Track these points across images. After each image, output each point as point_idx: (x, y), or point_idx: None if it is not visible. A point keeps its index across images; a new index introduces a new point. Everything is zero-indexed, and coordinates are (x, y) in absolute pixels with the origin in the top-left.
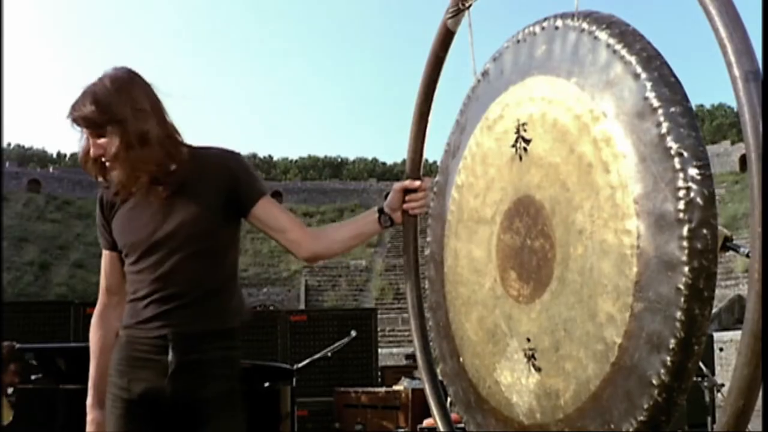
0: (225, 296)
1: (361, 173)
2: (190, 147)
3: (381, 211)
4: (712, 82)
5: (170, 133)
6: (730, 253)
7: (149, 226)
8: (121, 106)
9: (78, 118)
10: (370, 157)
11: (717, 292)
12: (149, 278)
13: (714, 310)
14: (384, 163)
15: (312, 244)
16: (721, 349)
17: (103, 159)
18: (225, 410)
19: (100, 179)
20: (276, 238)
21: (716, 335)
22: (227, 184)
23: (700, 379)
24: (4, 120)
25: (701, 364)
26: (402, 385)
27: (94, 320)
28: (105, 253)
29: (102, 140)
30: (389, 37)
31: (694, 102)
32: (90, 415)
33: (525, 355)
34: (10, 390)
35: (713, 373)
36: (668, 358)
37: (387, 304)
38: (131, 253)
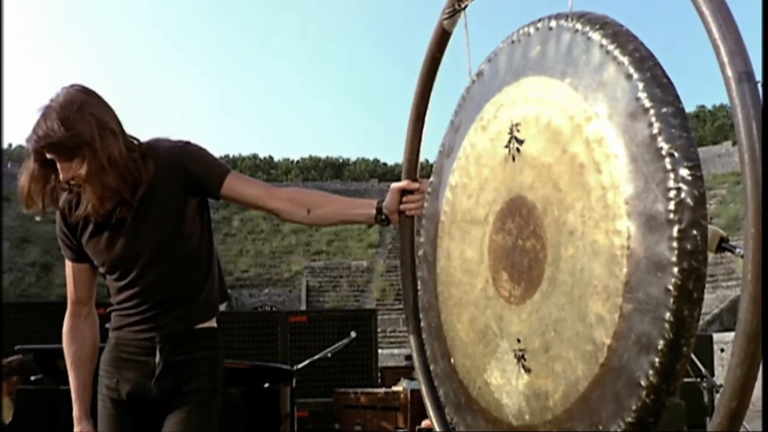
0: (206, 289)
1: (363, 174)
2: (141, 147)
3: (380, 209)
4: (713, 83)
5: (130, 148)
6: (730, 254)
7: (124, 242)
8: (87, 126)
9: (49, 144)
10: (371, 158)
11: (718, 292)
12: (133, 291)
13: (715, 311)
14: (385, 164)
15: (293, 213)
16: (722, 350)
17: (71, 183)
18: (202, 401)
19: (47, 208)
20: (256, 209)
21: (717, 336)
22: (186, 181)
23: (699, 380)
24: (4, 120)
25: (700, 365)
26: (401, 386)
27: (66, 333)
28: (71, 264)
29: (70, 163)
30: (392, 37)
31: (695, 102)
32: (78, 427)
33: (515, 356)
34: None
35: (713, 374)
36: (657, 360)
37: (388, 305)
38: (112, 271)
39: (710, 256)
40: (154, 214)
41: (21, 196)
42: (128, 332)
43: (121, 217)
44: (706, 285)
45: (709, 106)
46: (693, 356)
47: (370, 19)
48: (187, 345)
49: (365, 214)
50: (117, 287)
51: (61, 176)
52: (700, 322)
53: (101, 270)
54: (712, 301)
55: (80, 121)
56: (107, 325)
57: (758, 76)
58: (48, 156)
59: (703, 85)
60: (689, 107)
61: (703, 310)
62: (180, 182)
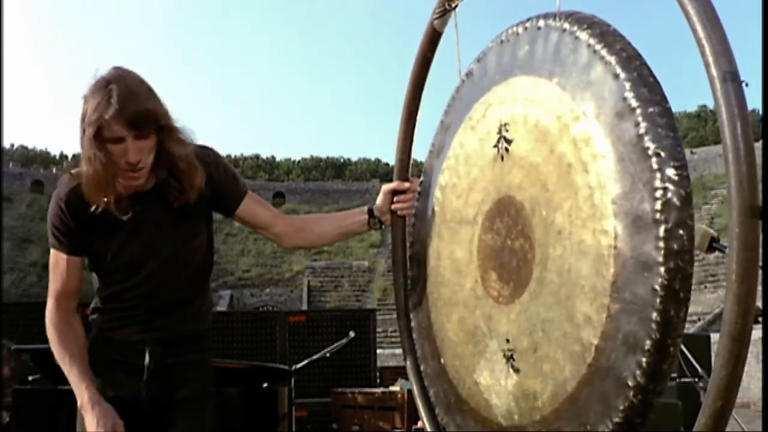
0: (202, 298)
1: (364, 174)
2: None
3: (371, 213)
4: None
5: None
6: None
7: (142, 242)
8: (162, 107)
9: (132, 115)
10: (372, 158)
11: (719, 293)
12: (132, 294)
13: (716, 311)
14: (387, 164)
15: (294, 238)
16: None
17: (139, 167)
18: (196, 411)
19: (104, 200)
20: (259, 232)
21: (716, 336)
22: (210, 190)
23: (695, 380)
24: (5, 121)
25: (697, 365)
26: (398, 386)
27: (58, 327)
28: (66, 257)
29: (142, 143)
30: (392, 38)
31: (696, 102)
32: (95, 410)
33: (504, 356)
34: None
35: (709, 374)
36: (644, 360)
37: (389, 304)
38: (115, 271)
39: (712, 256)
40: (177, 219)
41: (89, 187)
42: (118, 334)
43: (144, 215)
44: (708, 285)
45: (710, 106)
46: (690, 356)
47: (372, 20)
48: (177, 347)
49: (359, 222)
50: (114, 288)
51: (130, 157)
52: (701, 322)
53: (101, 268)
54: (713, 301)
55: (156, 99)
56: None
57: (758, 76)
58: (120, 133)
59: (705, 85)
60: (691, 107)
61: (704, 310)
62: (206, 191)
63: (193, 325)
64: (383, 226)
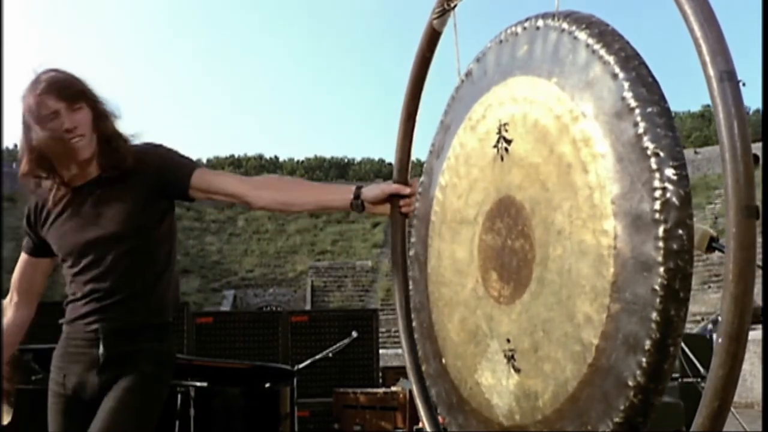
0: (160, 290)
1: (368, 174)
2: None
3: (357, 196)
4: None
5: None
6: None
7: (83, 228)
8: (86, 85)
9: (59, 87)
10: (376, 158)
11: (721, 293)
12: (85, 278)
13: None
14: (390, 164)
15: (264, 198)
16: None
17: (76, 133)
18: (141, 388)
19: (41, 176)
20: (227, 201)
21: (715, 336)
22: (155, 177)
23: (698, 380)
24: (5, 121)
25: (699, 365)
26: (400, 386)
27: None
28: (23, 255)
29: (73, 114)
30: (395, 37)
31: (701, 103)
32: None
33: (505, 356)
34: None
35: None
36: (644, 360)
37: (392, 304)
38: (68, 257)
39: (715, 256)
40: (117, 203)
41: (60, 162)
42: (77, 325)
43: (85, 202)
44: (712, 285)
45: None
46: (692, 356)
47: (375, 20)
48: (132, 337)
49: (340, 200)
50: (72, 274)
51: (65, 124)
52: (705, 322)
53: (61, 257)
54: (717, 302)
55: (80, 79)
56: (60, 321)
57: (758, 76)
58: (53, 107)
59: None
60: (695, 107)
61: (708, 310)
62: (148, 177)
63: (149, 317)
64: (364, 211)
